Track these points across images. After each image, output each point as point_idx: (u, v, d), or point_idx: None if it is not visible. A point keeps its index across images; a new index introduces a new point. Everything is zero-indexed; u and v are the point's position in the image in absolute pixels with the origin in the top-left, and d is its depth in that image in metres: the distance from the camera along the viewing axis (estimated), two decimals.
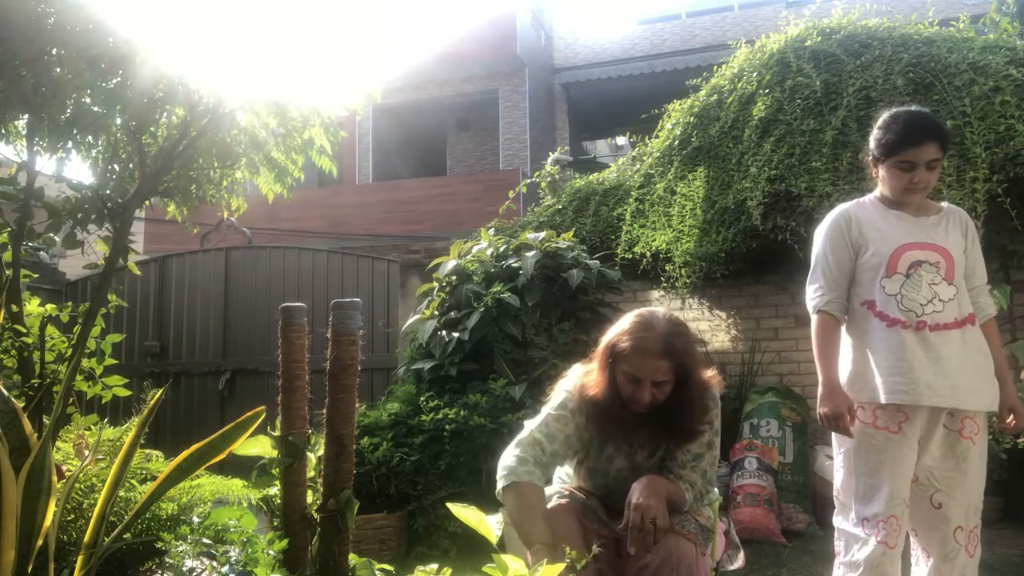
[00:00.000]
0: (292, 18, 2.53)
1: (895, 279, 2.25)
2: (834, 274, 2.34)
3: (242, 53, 2.41)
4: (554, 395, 2.09)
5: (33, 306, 2.74)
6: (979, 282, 2.36)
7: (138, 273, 3.09)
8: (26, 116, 2.44)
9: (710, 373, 2.05)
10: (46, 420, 2.33)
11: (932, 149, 2.23)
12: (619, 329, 1.96)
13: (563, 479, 2.21)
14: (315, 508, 2.23)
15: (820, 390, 2.27)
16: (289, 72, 2.58)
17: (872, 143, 2.35)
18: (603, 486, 2.08)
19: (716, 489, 2.19)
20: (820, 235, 2.42)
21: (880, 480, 2.19)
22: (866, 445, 2.22)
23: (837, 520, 2.32)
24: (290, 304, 2.37)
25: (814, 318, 2.36)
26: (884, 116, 2.36)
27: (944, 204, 2.41)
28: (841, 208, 2.42)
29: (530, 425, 2.04)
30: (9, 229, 2.50)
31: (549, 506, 1.97)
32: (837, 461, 2.34)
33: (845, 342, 2.36)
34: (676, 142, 5.28)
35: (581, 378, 2.05)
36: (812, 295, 2.38)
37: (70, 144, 2.57)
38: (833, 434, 2.32)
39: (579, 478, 2.14)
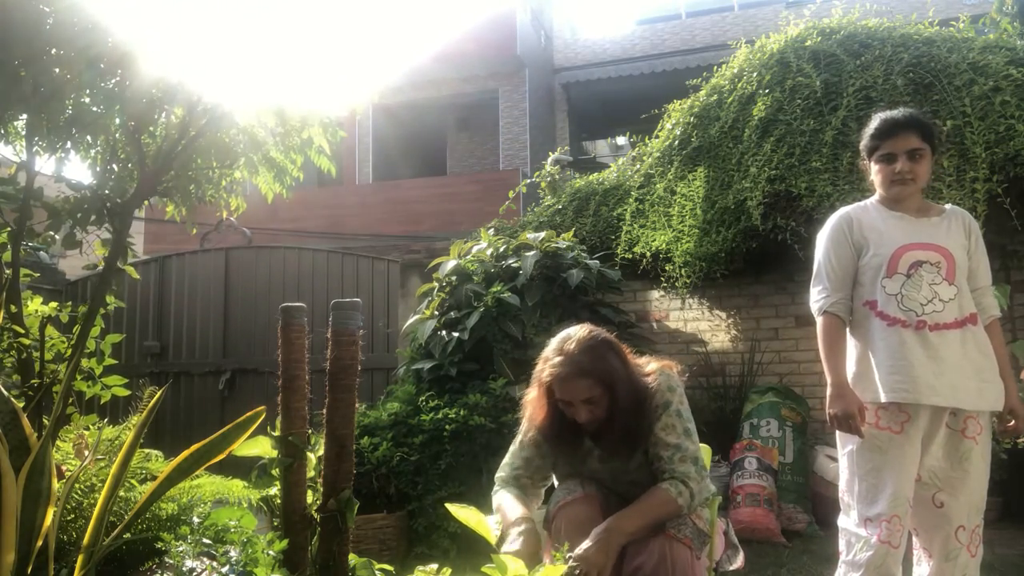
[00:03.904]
0: (292, 19, 2.53)
1: (896, 279, 2.26)
2: (838, 275, 2.36)
3: (241, 53, 2.41)
4: (523, 413, 2.17)
5: (35, 304, 2.73)
6: (983, 283, 2.36)
7: (137, 277, 3.09)
8: (25, 116, 2.44)
9: (652, 368, 2.07)
10: (46, 420, 2.32)
11: (911, 139, 2.28)
12: (543, 356, 2.03)
13: None
14: (315, 508, 2.23)
15: (829, 391, 2.26)
16: (288, 73, 2.58)
17: (865, 140, 2.41)
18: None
19: (715, 489, 2.19)
20: (823, 238, 2.43)
21: (883, 480, 2.19)
22: (869, 445, 2.23)
23: (841, 520, 2.32)
24: (290, 304, 2.37)
25: (819, 320, 2.36)
26: (869, 121, 2.44)
27: (947, 206, 2.42)
28: (842, 211, 2.44)
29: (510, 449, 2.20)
30: (9, 229, 2.50)
31: (572, 496, 1.97)
32: (842, 462, 2.34)
33: (848, 342, 2.36)
34: (676, 142, 5.28)
35: (530, 401, 2.10)
36: (816, 297, 2.38)
37: (69, 144, 2.57)
38: (838, 434, 2.32)
39: (557, 477, 2.17)
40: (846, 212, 2.43)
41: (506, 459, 2.20)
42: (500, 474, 2.18)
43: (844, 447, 2.32)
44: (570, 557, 1.75)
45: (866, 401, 2.25)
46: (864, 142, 2.41)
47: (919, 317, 2.21)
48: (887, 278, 2.27)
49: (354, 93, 2.91)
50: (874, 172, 2.38)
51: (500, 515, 2.03)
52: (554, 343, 2.02)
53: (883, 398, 2.20)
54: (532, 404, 2.08)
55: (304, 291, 6.73)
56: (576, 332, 2.01)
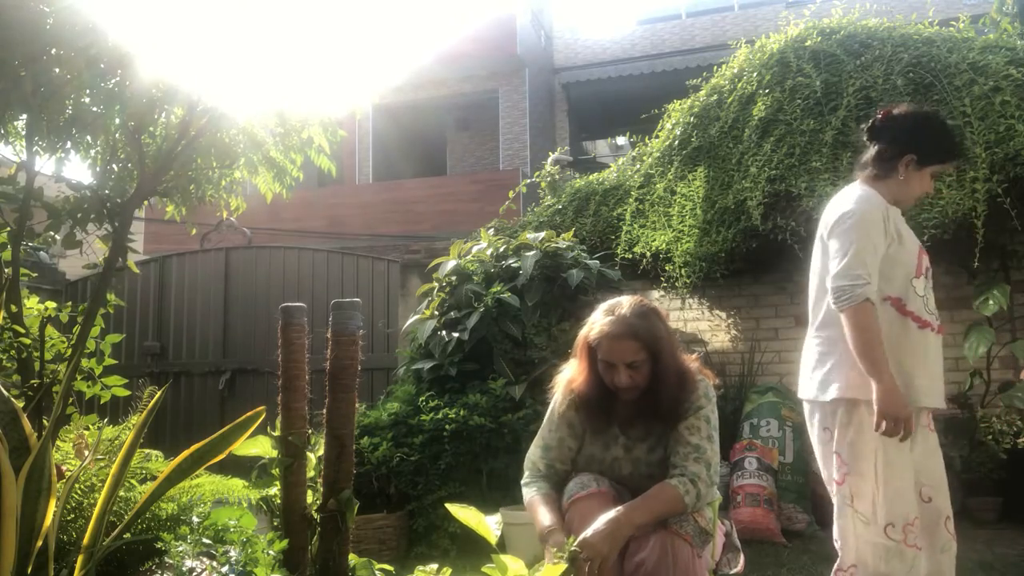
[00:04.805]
0: (292, 19, 2.53)
1: (921, 281, 2.23)
2: (876, 261, 2.17)
3: (242, 54, 2.41)
4: (555, 391, 2.21)
5: (32, 302, 2.73)
6: None
7: (137, 272, 3.08)
8: (25, 116, 2.44)
9: (694, 359, 2.12)
10: (46, 420, 2.32)
11: None
12: (590, 320, 2.07)
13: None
14: (315, 508, 2.23)
15: (879, 389, 2.07)
16: (289, 74, 2.58)
17: (919, 142, 2.25)
18: (599, 472, 2.09)
19: (716, 489, 2.19)
20: (861, 215, 2.19)
21: (906, 483, 2.15)
22: (893, 448, 2.13)
23: (856, 530, 2.16)
24: (290, 304, 2.37)
25: (857, 307, 2.09)
26: (923, 116, 2.29)
27: None
28: (872, 192, 2.25)
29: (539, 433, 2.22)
30: (9, 229, 2.50)
31: (586, 491, 1.98)
32: (853, 467, 2.17)
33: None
34: (676, 142, 5.28)
35: (568, 375, 2.15)
36: (854, 279, 2.11)
37: (69, 144, 2.57)
38: (849, 439, 2.17)
39: (578, 465, 2.15)
40: (877, 196, 2.24)
41: (536, 441, 2.18)
42: (532, 458, 2.15)
43: (863, 451, 2.16)
44: (583, 536, 1.76)
45: None
46: (937, 146, 2.25)
47: (936, 321, 2.24)
48: (916, 278, 2.21)
49: (354, 94, 2.91)
50: (914, 177, 2.26)
51: (531, 515, 2.06)
52: (603, 306, 2.07)
53: (921, 402, 2.16)
54: (572, 370, 2.12)
55: (304, 291, 6.73)
56: (627, 298, 2.07)
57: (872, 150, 2.34)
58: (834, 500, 2.25)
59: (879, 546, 2.12)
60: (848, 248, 2.15)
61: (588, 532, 1.78)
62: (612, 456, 2.09)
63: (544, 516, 1.98)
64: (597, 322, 2.02)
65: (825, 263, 2.27)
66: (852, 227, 2.18)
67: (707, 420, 2.01)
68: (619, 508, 1.85)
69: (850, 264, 2.13)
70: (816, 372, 2.28)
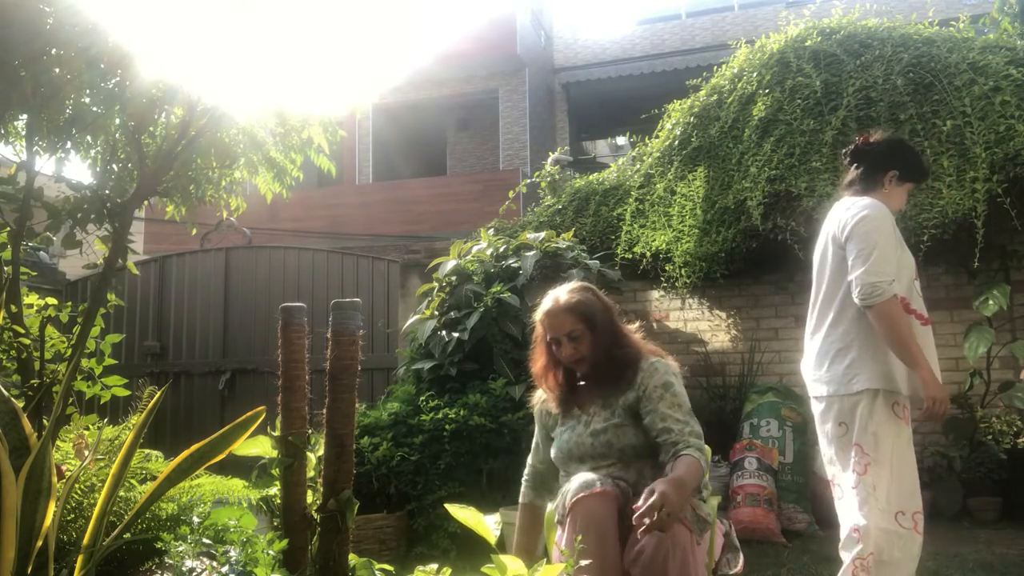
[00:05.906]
0: (293, 19, 2.53)
1: (918, 282, 2.40)
2: (895, 262, 2.32)
3: (242, 54, 2.41)
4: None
5: (32, 299, 2.73)
6: None
7: (136, 273, 3.08)
8: (25, 116, 2.44)
9: (636, 329, 2.29)
10: (46, 420, 2.32)
11: None
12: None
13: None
14: (315, 508, 2.23)
15: (922, 375, 2.21)
16: (289, 74, 2.58)
17: (903, 161, 2.49)
18: (567, 451, 2.19)
19: (711, 487, 2.20)
20: (880, 220, 2.34)
21: (914, 473, 2.29)
22: (904, 439, 2.29)
23: (876, 519, 2.24)
24: (290, 304, 2.37)
25: (886, 302, 2.23)
26: (899, 140, 2.58)
27: None
28: (880, 203, 2.40)
29: None
30: (9, 229, 2.50)
31: (590, 491, 1.97)
32: (875, 457, 2.26)
33: (869, 334, 2.31)
34: (676, 142, 5.28)
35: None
36: (881, 277, 2.24)
37: (69, 144, 2.57)
38: (872, 430, 2.27)
39: (554, 452, 2.26)
40: (884, 205, 2.40)
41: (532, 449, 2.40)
42: (529, 460, 2.39)
43: (884, 441, 2.26)
44: (654, 487, 1.73)
45: (905, 396, 2.31)
46: (917, 165, 2.53)
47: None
48: (916, 280, 2.40)
49: (354, 94, 2.92)
50: (899, 191, 2.50)
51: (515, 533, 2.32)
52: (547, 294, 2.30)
53: (907, 391, 2.31)
54: (533, 363, 2.31)
55: (304, 291, 6.73)
56: (569, 283, 2.31)
57: (855, 171, 2.55)
58: (853, 492, 2.30)
59: (892, 533, 2.22)
60: (872, 249, 2.29)
61: (658, 483, 1.74)
62: (577, 435, 2.18)
63: (518, 531, 2.27)
64: (541, 305, 2.26)
65: (838, 265, 2.41)
66: (873, 230, 2.32)
67: (683, 396, 2.12)
68: (667, 478, 1.82)
69: (876, 262, 2.27)
70: (835, 367, 2.37)
